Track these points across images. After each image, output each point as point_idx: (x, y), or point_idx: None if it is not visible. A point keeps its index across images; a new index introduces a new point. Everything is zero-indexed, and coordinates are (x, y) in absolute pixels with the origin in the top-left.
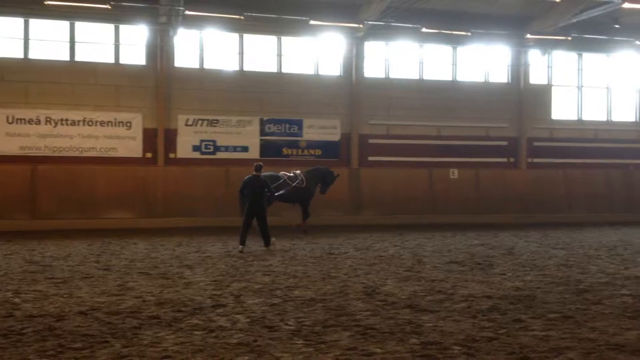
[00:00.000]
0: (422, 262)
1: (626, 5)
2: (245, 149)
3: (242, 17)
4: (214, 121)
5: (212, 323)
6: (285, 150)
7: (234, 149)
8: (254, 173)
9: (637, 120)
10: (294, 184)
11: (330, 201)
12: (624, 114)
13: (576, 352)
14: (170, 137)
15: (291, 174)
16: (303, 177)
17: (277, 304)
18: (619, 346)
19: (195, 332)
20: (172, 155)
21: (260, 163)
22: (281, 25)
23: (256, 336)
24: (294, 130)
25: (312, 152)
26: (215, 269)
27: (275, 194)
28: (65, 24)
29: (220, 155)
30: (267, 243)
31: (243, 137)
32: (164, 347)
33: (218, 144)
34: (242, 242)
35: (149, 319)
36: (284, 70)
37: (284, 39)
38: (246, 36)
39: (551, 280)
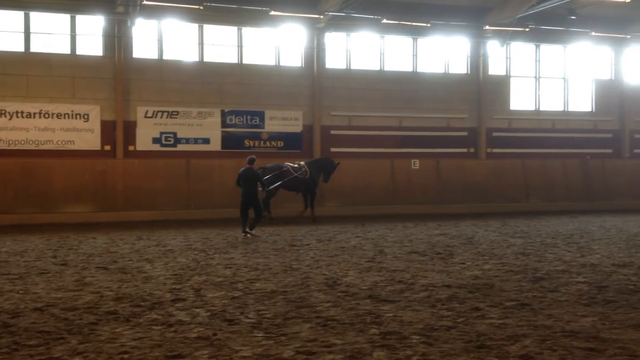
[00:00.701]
0: (383, 253)
1: None
2: (206, 140)
3: (201, 8)
4: (174, 113)
5: (171, 317)
6: (247, 142)
7: (195, 141)
8: (247, 165)
9: (593, 110)
10: (297, 174)
11: (292, 193)
12: (580, 105)
13: (532, 339)
14: (130, 130)
15: (295, 165)
16: (306, 168)
17: (237, 297)
18: (574, 333)
19: (154, 327)
20: (131, 148)
21: (253, 156)
22: (241, 15)
23: (216, 330)
24: (255, 121)
25: (274, 143)
26: (175, 263)
27: (272, 186)
28: (19, 14)
29: (181, 147)
30: (250, 228)
31: (204, 128)
32: (121, 342)
33: (178, 136)
34: (244, 230)
35: (106, 315)
36: (245, 61)
37: (244, 29)
38: (206, 26)
39: (509, 269)
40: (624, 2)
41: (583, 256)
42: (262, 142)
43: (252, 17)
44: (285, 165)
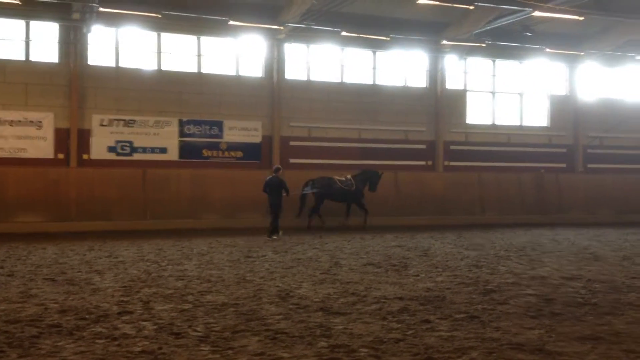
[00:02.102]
0: (339, 264)
1: (537, 13)
2: (163, 150)
3: (159, 16)
4: (131, 121)
5: (116, 331)
6: (205, 152)
7: (152, 150)
8: (273, 174)
9: (548, 125)
10: (343, 187)
11: (251, 203)
12: (535, 119)
13: (479, 352)
14: (84, 138)
15: (343, 178)
16: (352, 181)
17: (187, 309)
18: (520, 345)
19: (97, 341)
20: (85, 157)
21: (279, 166)
22: (200, 24)
23: (161, 344)
24: (214, 131)
25: (233, 154)
26: (126, 275)
27: (304, 192)
28: None
29: (137, 156)
30: (271, 234)
31: (161, 138)
32: (62, 356)
33: (135, 145)
34: (276, 231)
35: (49, 328)
36: (204, 70)
37: (203, 38)
38: (164, 35)
39: (461, 281)
40: (578, 19)
41: (534, 269)
42: (220, 152)
43: (212, 27)
44: (335, 179)
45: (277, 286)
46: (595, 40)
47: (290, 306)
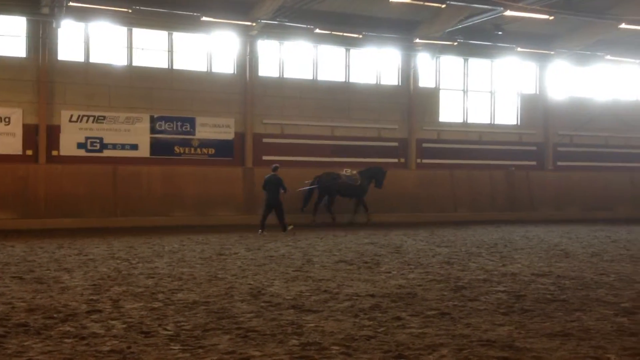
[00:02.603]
0: (311, 262)
1: (508, 12)
2: (134, 147)
3: (129, 11)
4: (101, 117)
5: (84, 330)
6: (177, 149)
7: (123, 146)
8: (272, 172)
9: (518, 123)
10: (349, 182)
11: (223, 200)
12: (506, 118)
13: (449, 349)
14: (53, 134)
15: (348, 174)
16: (358, 177)
17: (157, 308)
18: (490, 342)
19: (65, 340)
20: (54, 153)
21: (277, 165)
22: (172, 20)
23: (130, 343)
24: (186, 128)
25: (205, 151)
26: (95, 273)
27: (308, 187)
28: None
29: (107, 153)
30: (284, 229)
31: (132, 134)
32: (29, 356)
33: (105, 141)
34: (262, 227)
35: (16, 327)
36: (176, 66)
37: (175, 34)
38: (135, 30)
39: (433, 278)
40: (548, 19)
41: (504, 265)
42: (192, 149)
43: (183, 22)
44: (342, 175)
45: (249, 284)
46: (565, 40)
47: (262, 304)
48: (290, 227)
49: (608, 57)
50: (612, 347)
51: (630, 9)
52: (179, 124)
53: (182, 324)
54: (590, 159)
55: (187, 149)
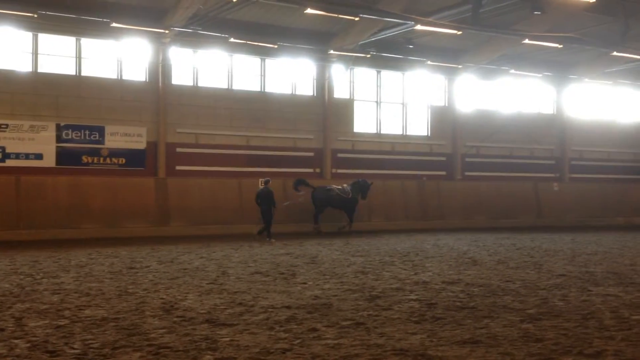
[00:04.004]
0: (226, 274)
1: (418, 27)
2: (39, 156)
3: (35, 16)
4: (3, 126)
5: None
6: (85, 159)
7: (26, 156)
8: (264, 185)
9: (429, 134)
10: (342, 195)
11: (134, 212)
12: (417, 129)
13: (364, 359)
14: None
15: (340, 187)
16: (349, 190)
17: (63, 325)
18: (403, 351)
19: None
20: None
21: (269, 178)
22: (81, 26)
23: None
24: (95, 137)
25: (115, 160)
26: None
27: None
28: None
29: (10, 162)
30: (261, 232)
31: (37, 143)
32: None
33: (8, 150)
34: (269, 236)
35: None
36: (85, 73)
37: (83, 40)
38: (41, 35)
39: (348, 288)
40: (456, 34)
41: (417, 274)
42: (102, 158)
43: (93, 28)
44: (334, 188)
45: (161, 298)
46: (472, 54)
47: (175, 319)
48: (273, 240)
49: (512, 71)
50: (519, 353)
51: (533, 25)
52: (88, 132)
53: (90, 342)
54: (496, 169)
55: (96, 159)
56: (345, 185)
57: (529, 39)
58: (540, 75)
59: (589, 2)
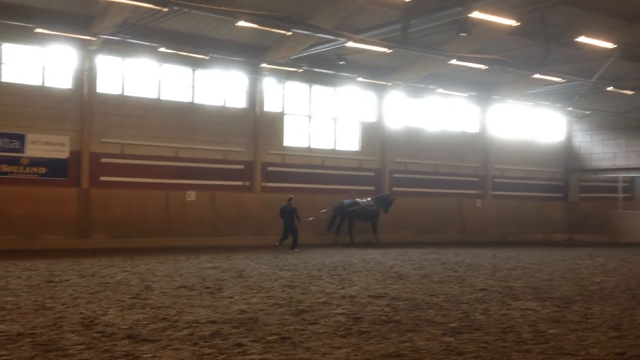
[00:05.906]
0: (150, 288)
1: (350, 44)
2: None
3: None
4: None
5: None
6: (4, 167)
7: None
8: (287, 202)
9: (359, 150)
10: (367, 208)
11: (54, 223)
12: (347, 144)
13: None
14: None
15: (364, 200)
16: (372, 203)
17: None
18: None
19: None
20: None
21: (291, 196)
22: (2, 30)
23: None
24: (14, 145)
25: (35, 170)
26: None
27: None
28: None
29: None
30: (292, 247)
31: None
32: None
33: None
34: (280, 242)
35: None
36: (4, 79)
37: (4, 45)
38: None
39: (275, 302)
40: (386, 52)
41: (344, 288)
42: (21, 167)
43: (15, 33)
44: (359, 202)
45: (81, 313)
46: (402, 72)
47: (95, 334)
48: (296, 250)
49: (439, 90)
50: None
51: (459, 46)
52: (7, 140)
53: (5, 358)
54: (422, 185)
55: (15, 168)
56: (369, 198)
57: (456, 60)
58: (466, 94)
59: (512, 26)
